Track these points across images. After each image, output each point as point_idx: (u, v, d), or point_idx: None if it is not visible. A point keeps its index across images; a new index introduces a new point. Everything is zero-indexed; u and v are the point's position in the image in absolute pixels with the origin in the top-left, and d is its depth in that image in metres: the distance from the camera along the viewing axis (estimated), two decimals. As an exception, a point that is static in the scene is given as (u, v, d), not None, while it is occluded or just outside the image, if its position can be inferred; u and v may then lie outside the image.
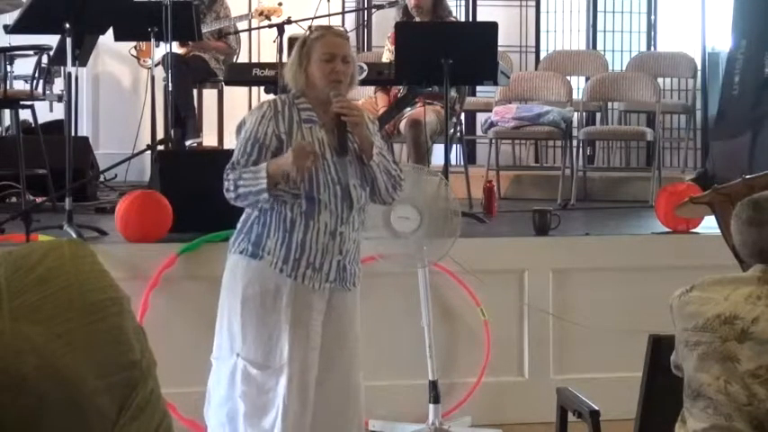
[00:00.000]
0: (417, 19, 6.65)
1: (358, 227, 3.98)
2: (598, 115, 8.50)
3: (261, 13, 7.40)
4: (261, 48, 8.45)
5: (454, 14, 7.12)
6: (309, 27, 4.28)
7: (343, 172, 3.90)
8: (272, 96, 6.46)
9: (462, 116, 7.45)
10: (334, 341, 3.94)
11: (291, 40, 6.41)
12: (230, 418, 3.91)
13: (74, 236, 5.30)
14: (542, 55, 8.89)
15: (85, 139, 7.47)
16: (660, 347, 3.31)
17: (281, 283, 3.86)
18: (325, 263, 3.88)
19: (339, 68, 3.88)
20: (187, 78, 7.50)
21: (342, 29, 4.52)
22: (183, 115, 7.51)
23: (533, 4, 8.99)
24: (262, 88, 7.14)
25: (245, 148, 3.89)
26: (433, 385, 4.94)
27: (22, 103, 6.49)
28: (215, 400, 3.97)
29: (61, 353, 0.93)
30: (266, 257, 3.87)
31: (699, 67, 8.33)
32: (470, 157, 8.27)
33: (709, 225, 5.09)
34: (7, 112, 7.31)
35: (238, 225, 3.99)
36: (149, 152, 6.80)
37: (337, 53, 3.90)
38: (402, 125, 6.55)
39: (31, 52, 6.68)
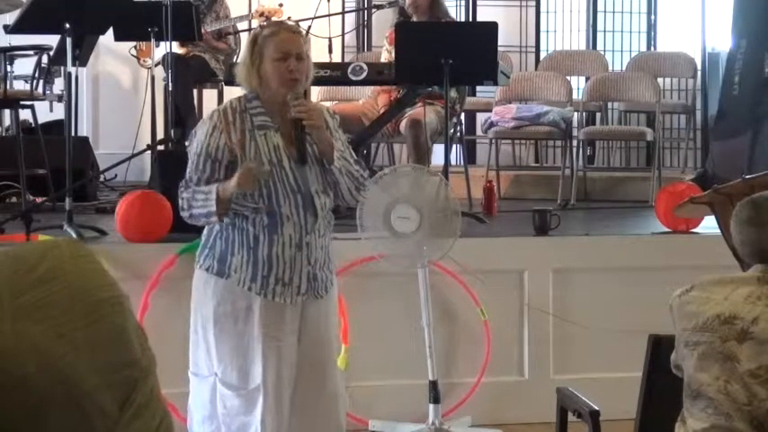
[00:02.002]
0: (414, 18, 6.66)
1: (324, 232, 3.79)
2: (598, 115, 8.50)
3: (261, 14, 7.40)
4: (261, 48, 8.44)
5: (452, 16, 7.12)
6: (260, 24, 4.11)
7: (302, 179, 3.71)
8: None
9: (462, 116, 7.45)
10: (309, 351, 3.78)
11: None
12: None
13: (74, 236, 5.31)
14: (542, 55, 8.89)
15: (85, 139, 7.48)
16: (660, 347, 3.31)
17: (252, 302, 3.71)
18: (294, 276, 3.72)
19: (294, 67, 3.68)
20: (187, 78, 7.51)
21: (294, 24, 4.33)
22: (182, 115, 7.51)
23: (533, 4, 8.99)
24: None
25: (197, 165, 3.72)
26: (433, 385, 4.94)
27: (22, 103, 6.49)
28: (197, 418, 3.87)
29: (63, 352, 0.93)
30: (233, 276, 3.71)
31: (699, 67, 8.33)
32: (470, 157, 8.27)
33: (709, 225, 5.09)
34: (7, 112, 7.31)
35: (202, 238, 3.84)
36: (149, 152, 6.80)
37: (291, 51, 3.69)
38: (402, 125, 6.55)
39: (31, 52, 6.68)
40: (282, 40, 3.72)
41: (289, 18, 6.68)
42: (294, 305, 3.74)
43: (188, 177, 3.75)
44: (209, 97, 7.93)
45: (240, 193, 3.66)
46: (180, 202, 3.75)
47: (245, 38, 8.18)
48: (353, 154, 3.88)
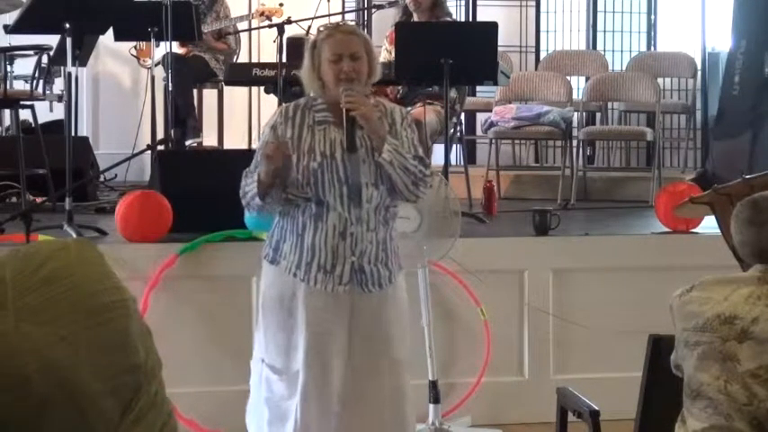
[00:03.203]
0: (415, 16, 6.65)
1: (376, 226, 3.83)
2: (598, 115, 8.51)
3: (262, 14, 7.41)
4: (261, 48, 8.46)
5: (453, 17, 7.12)
6: (319, 27, 4.17)
7: (353, 171, 3.79)
8: (272, 96, 6.51)
9: (462, 116, 7.45)
10: (360, 347, 3.81)
11: (291, 41, 6.42)
12: (258, 425, 3.91)
13: (74, 236, 5.31)
14: (542, 55, 8.90)
15: (85, 139, 7.48)
16: (660, 347, 3.31)
17: (296, 288, 3.81)
18: (337, 265, 3.79)
19: (347, 68, 3.77)
20: (187, 78, 7.51)
21: (352, 24, 4.41)
22: (182, 115, 7.51)
23: (533, 4, 9.00)
24: (262, 88, 7.15)
25: (256, 157, 3.87)
26: (433, 385, 4.94)
27: (22, 103, 6.48)
28: (250, 404, 3.99)
29: (64, 355, 0.93)
30: (282, 262, 3.83)
31: (699, 67, 8.33)
32: (470, 157, 8.27)
33: (709, 225, 5.09)
34: (7, 112, 7.31)
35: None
36: (149, 152, 6.81)
37: (344, 52, 3.79)
38: (402, 125, 6.54)
39: (31, 52, 6.68)
40: (336, 41, 3.82)
41: (289, 18, 6.68)
42: (336, 294, 3.80)
43: (249, 169, 3.88)
44: (210, 97, 7.94)
45: (286, 182, 3.77)
46: (240, 192, 3.87)
47: (245, 38, 8.20)
48: (417, 152, 3.88)
